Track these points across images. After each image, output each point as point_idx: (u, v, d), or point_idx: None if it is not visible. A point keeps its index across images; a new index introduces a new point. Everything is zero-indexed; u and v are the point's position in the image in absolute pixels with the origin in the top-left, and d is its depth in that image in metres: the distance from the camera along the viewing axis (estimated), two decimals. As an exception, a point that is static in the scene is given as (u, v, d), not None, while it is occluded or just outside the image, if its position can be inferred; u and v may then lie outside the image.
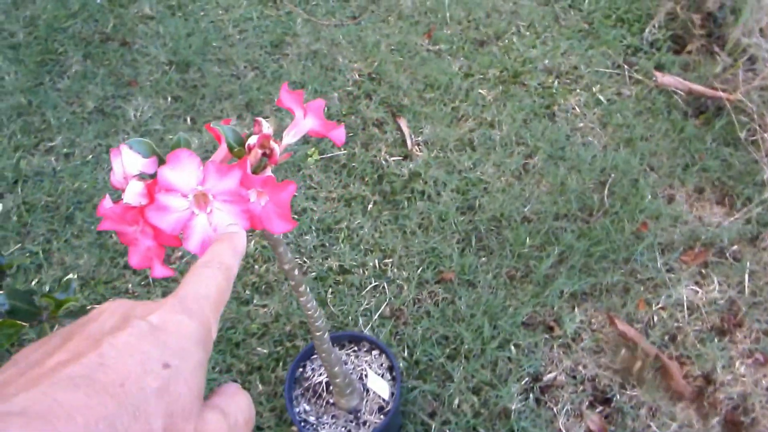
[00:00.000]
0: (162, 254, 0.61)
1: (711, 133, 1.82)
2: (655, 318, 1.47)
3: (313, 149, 1.87)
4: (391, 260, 1.62)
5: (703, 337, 1.44)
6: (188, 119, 2.01)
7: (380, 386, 1.16)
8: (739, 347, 1.42)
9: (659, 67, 2.05)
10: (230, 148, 0.61)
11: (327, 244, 1.66)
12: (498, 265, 1.58)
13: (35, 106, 2.09)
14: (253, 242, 1.68)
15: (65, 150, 1.96)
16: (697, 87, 1.93)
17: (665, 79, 1.98)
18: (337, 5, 2.35)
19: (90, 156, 1.93)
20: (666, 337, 1.45)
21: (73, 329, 0.31)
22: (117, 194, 0.58)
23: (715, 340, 1.43)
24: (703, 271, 1.55)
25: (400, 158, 1.84)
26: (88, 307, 0.68)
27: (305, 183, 1.80)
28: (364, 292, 1.56)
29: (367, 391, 1.20)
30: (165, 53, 2.21)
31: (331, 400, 1.20)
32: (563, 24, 2.24)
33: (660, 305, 1.49)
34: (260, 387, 1.43)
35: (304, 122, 0.64)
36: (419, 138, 1.89)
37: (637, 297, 1.50)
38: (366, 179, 1.80)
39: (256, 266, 1.63)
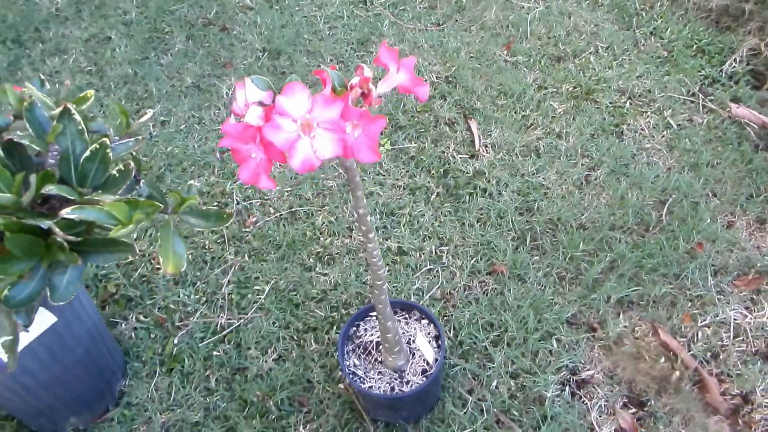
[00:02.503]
0: (269, 169, 0.74)
1: (780, 167, 1.83)
2: (699, 334, 1.50)
3: (385, 140, 1.99)
4: (447, 248, 1.71)
5: (746, 359, 1.46)
6: (275, 101, 2.17)
7: (426, 349, 1.25)
8: (783, 373, 1.43)
9: (735, 100, 2.07)
10: (334, 89, 0.73)
11: (389, 227, 1.77)
12: (549, 264, 1.65)
13: (140, 77, 2.31)
14: (321, 217, 1.81)
15: (162, 118, 2.15)
16: (771, 121, 1.93)
17: (740, 110, 2.00)
18: (423, 11, 2.48)
19: (183, 126, 2.12)
20: (708, 354, 1.47)
21: None
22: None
23: (759, 363, 1.45)
24: (755, 297, 1.57)
25: (467, 156, 1.93)
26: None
27: (375, 169, 1.92)
28: (418, 274, 1.66)
29: (413, 354, 1.29)
30: (260, 41, 2.39)
31: (380, 359, 1.30)
32: (642, 49, 2.28)
33: (705, 322, 1.52)
34: (314, 345, 1.54)
35: (397, 76, 0.75)
36: (487, 140, 1.98)
37: (683, 311, 1.54)
38: (432, 172, 1.90)
39: (322, 238, 1.76)
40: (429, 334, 1.32)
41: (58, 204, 0.62)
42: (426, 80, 2.19)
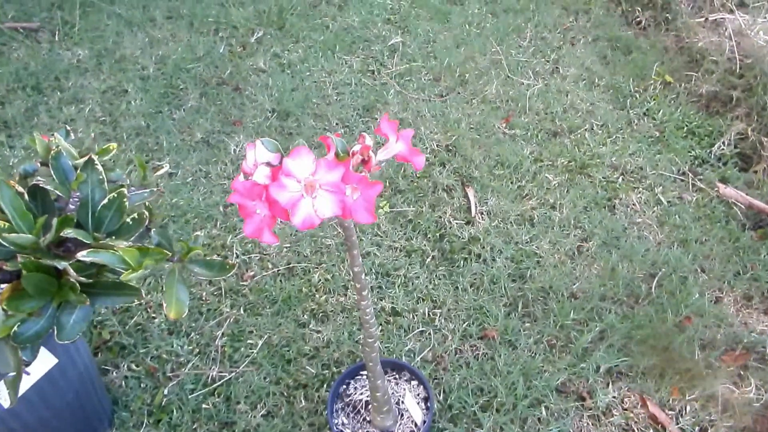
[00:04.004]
0: (272, 225, 0.79)
1: (766, 247, 1.88)
2: (688, 407, 1.51)
3: (385, 202, 2.05)
4: (440, 311, 1.74)
5: (734, 436, 1.47)
6: (280, 160, 2.24)
7: (415, 410, 1.26)
8: (770, 453, 1.43)
9: (723, 180, 2.15)
10: (337, 155, 0.79)
11: (383, 287, 1.81)
12: (540, 331, 1.67)
13: (152, 129, 2.40)
14: (318, 274, 1.84)
15: (170, 170, 2.22)
16: (758, 203, 2.00)
17: (727, 191, 2.07)
18: (428, 83, 2.60)
19: (190, 178, 2.19)
20: (696, 428, 1.48)
21: None
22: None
23: (746, 440, 1.45)
24: (742, 372, 1.59)
25: (463, 222, 1.99)
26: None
27: (373, 231, 1.97)
28: (410, 335, 1.68)
29: (402, 415, 1.30)
30: (270, 102, 2.50)
31: (368, 418, 1.30)
32: (635, 128, 2.38)
33: (694, 396, 1.53)
34: (303, 403, 1.54)
35: (395, 146, 0.81)
36: (483, 207, 2.04)
37: (671, 384, 1.55)
38: (428, 236, 1.95)
39: (318, 295, 1.79)
40: (418, 395, 1.33)
41: (73, 246, 0.67)
42: (427, 148, 2.27)
